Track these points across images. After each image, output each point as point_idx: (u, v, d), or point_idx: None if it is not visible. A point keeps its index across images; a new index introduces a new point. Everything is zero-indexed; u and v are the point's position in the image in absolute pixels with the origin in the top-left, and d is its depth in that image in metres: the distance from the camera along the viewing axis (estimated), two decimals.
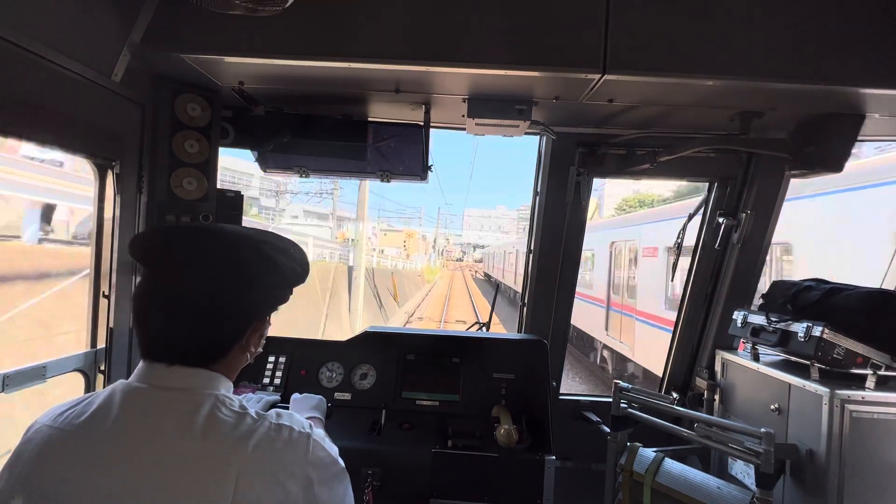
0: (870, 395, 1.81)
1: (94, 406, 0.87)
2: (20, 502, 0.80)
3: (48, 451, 0.83)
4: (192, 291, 0.89)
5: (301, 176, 2.36)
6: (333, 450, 1.01)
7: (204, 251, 0.93)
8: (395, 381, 2.21)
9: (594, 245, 11.98)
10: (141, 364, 0.92)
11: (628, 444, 2.17)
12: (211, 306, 0.91)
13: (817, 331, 1.91)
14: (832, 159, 1.98)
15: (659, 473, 2.00)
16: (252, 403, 1.47)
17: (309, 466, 0.90)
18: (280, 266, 0.99)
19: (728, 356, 2.47)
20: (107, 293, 1.88)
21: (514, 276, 23.89)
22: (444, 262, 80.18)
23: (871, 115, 1.91)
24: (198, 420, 0.85)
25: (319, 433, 0.98)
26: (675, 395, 2.74)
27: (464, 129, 2.19)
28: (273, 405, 1.88)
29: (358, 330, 2.42)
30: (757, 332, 2.22)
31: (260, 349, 1.06)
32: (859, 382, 1.87)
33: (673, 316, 2.93)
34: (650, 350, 8.68)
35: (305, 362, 2.25)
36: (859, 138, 1.99)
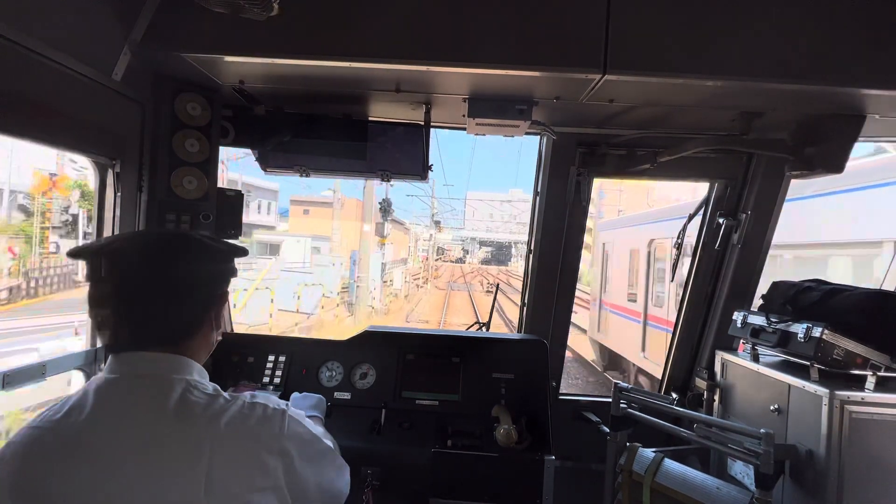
0: (869, 395, 1.81)
1: (71, 402, 0.89)
2: (9, 497, 0.82)
3: (28, 449, 0.85)
4: (155, 278, 0.95)
5: (301, 175, 2.36)
6: (316, 430, 1.03)
7: (146, 240, 1.05)
8: (395, 381, 2.21)
9: None
10: (111, 357, 0.94)
11: (628, 444, 2.17)
12: (167, 285, 0.96)
13: (817, 332, 1.91)
14: (833, 160, 1.98)
15: (658, 473, 2.00)
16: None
17: (285, 440, 0.92)
18: (215, 243, 1.06)
19: (728, 357, 2.47)
20: None
21: None
22: (427, 272, 37.01)
23: (872, 115, 1.91)
24: (169, 403, 0.87)
25: (298, 412, 1.00)
26: (674, 395, 2.74)
27: (464, 128, 2.19)
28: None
29: None
30: (757, 332, 2.21)
31: (220, 336, 1.09)
32: (859, 383, 1.86)
33: None
34: None
35: (305, 362, 2.25)
36: (860, 139, 1.99)
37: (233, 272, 1.09)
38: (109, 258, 0.96)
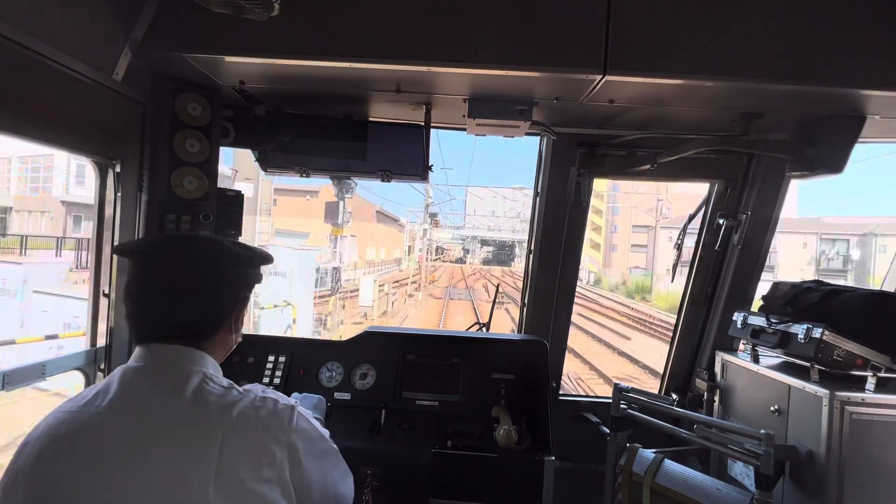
0: (870, 396, 1.81)
1: (97, 388, 0.95)
2: (27, 483, 0.85)
3: (53, 432, 0.89)
4: (183, 278, 1.01)
5: (301, 175, 2.36)
6: (323, 431, 1.07)
7: (186, 246, 1.08)
8: (395, 381, 2.21)
9: None
10: (137, 347, 0.99)
11: (628, 444, 2.16)
12: (193, 289, 1.02)
13: (817, 332, 1.91)
14: (833, 161, 1.98)
15: (658, 474, 1.99)
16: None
17: (293, 434, 0.95)
18: (237, 252, 1.10)
19: (728, 357, 2.47)
20: (107, 292, 1.88)
21: None
22: (421, 275, 29.10)
23: (872, 116, 1.90)
24: (187, 391, 0.93)
25: (307, 411, 1.04)
26: (674, 396, 2.74)
27: (464, 129, 2.19)
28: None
29: None
30: (757, 333, 2.21)
31: (240, 338, 1.14)
32: (859, 384, 1.86)
33: None
34: None
35: (305, 362, 2.26)
36: (860, 140, 1.99)
37: (257, 278, 1.15)
38: (144, 257, 1.05)
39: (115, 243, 1.87)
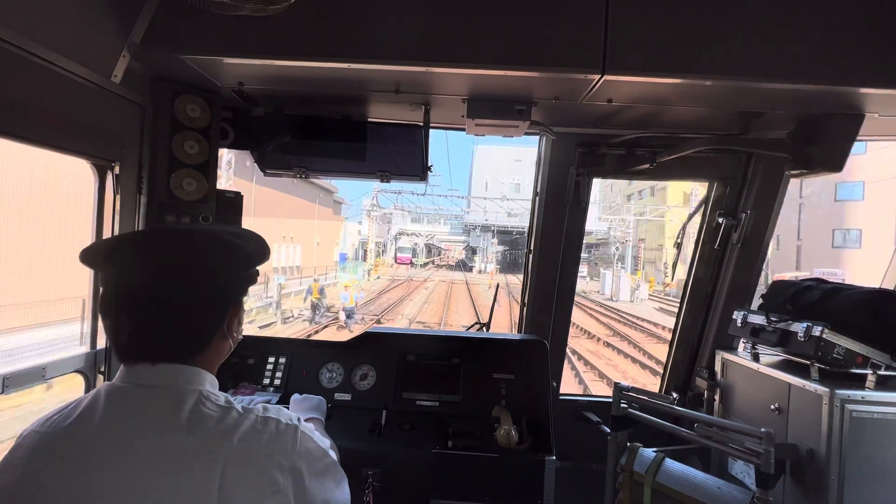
0: (870, 394, 1.81)
1: (80, 408, 0.87)
2: None
3: (37, 454, 0.84)
4: (155, 289, 0.89)
5: (300, 177, 2.36)
6: (324, 442, 1.02)
7: (156, 247, 0.94)
8: (395, 382, 2.21)
9: None
10: (123, 366, 0.92)
11: (628, 444, 2.17)
12: (179, 300, 0.91)
13: (817, 330, 1.91)
14: (832, 159, 1.98)
15: (659, 473, 1.99)
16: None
17: (297, 457, 0.90)
18: (237, 246, 0.98)
19: (728, 356, 2.47)
20: None
21: None
22: None
23: (871, 114, 1.91)
24: (182, 415, 0.86)
25: (308, 426, 0.98)
26: (675, 395, 2.74)
27: (463, 129, 2.19)
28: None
29: None
30: (757, 331, 2.21)
31: (240, 336, 1.05)
32: (859, 382, 1.86)
33: None
34: None
35: (306, 363, 2.26)
36: (859, 138, 1.99)
37: (255, 278, 1.04)
38: (119, 268, 0.92)
39: None
